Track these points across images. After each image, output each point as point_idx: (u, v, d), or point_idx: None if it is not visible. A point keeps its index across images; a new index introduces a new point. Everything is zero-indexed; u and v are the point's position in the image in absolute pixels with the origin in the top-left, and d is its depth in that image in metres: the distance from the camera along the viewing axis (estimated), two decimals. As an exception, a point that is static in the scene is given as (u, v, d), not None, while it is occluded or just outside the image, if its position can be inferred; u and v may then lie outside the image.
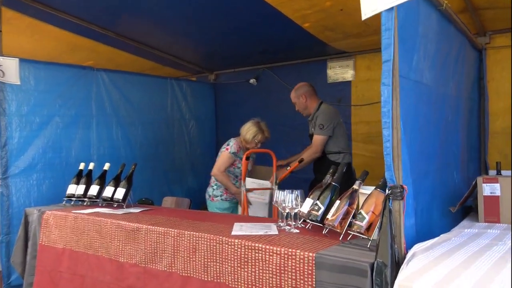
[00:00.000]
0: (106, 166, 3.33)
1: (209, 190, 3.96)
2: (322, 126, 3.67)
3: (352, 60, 4.58)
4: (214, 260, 2.05)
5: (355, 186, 2.01)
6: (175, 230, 2.23)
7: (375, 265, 1.55)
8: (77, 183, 3.33)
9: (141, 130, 4.71)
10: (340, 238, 1.91)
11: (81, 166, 3.44)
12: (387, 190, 1.67)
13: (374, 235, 1.78)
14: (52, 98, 3.95)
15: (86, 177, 3.31)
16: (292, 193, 2.17)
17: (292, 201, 2.14)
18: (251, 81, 5.23)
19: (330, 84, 4.72)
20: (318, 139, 3.70)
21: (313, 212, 2.08)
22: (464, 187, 2.87)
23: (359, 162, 4.36)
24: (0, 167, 3.53)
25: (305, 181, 3.94)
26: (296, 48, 4.56)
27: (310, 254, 1.72)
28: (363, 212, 1.83)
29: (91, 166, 3.47)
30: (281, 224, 2.29)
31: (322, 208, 2.07)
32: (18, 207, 3.58)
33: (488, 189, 2.37)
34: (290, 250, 1.78)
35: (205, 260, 2.09)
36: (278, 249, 1.82)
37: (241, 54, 4.88)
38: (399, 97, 1.69)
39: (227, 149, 3.78)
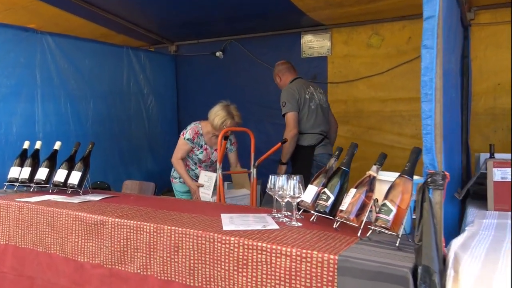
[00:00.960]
0: (57, 145, 2.82)
1: (172, 171, 3.60)
2: (284, 104, 3.45)
3: (328, 34, 4.28)
4: (203, 262, 1.69)
5: (372, 172, 1.70)
6: (152, 225, 1.83)
7: (419, 271, 1.26)
8: (21, 165, 2.79)
9: (93, 104, 4.17)
10: (359, 234, 1.61)
11: (26, 145, 2.90)
12: (425, 178, 1.38)
13: (401, 231, 1.49)
14: None
15: (32, 158, 2.79)
16: (291, 178, 1.84)
17: (293, 188, 1.81)
18: (217, 54, 4.79)
19: (304, 59, 4.40)
20: (286, 117, 3.45)
21: (321, 202, 1.76)
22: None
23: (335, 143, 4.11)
24: None
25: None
26: (267, 16, 4.15)
27: (332, 256, 1.41)
28: (388, 204, 1.53)
29: (37, 145, 2.93)
30: (277, 216, 1.96)
31: (332, 198, 1.75)
32: None
33: (499, 174, 2.16)
34: (304, 251, 1.46)
35: (191, 261, 1.72)
36: (289, 249, 1.49)
37: (204, 21, 4.36)
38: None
39: (182, 134, 3.40)
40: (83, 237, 2.05)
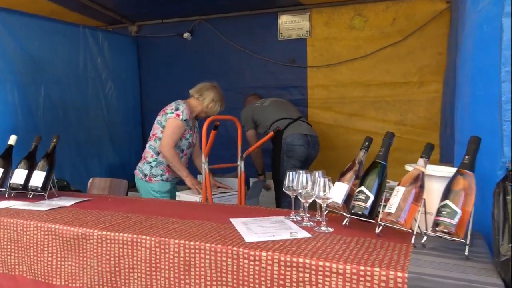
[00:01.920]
0: (12, 140, 2.35)
1: (144, 167, 3.09)
2: (242, 126, 3.38)
3: (307, 14, 4.00)
4: (224, 284, 1.37)
5: (419, 167, 1.45)
6: (153, 238, 1.48)
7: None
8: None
9: (44, 91, 3.64)
10: (412, 241, 1.35)
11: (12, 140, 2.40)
12: (505, 173, 1.15)
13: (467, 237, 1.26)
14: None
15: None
16: (314, 175, 1.56)
17: (322, 187, 1.53)
18: (185, 35, 4.38)
19: (281, 41, 4.11)
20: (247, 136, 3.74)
21: (359, 203, 1.49)
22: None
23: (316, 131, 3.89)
24: None
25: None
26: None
27: (399, 274, 1.14)
28: (451, 205, 1.29)
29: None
30: (296, 218, 1.68)
31: (372, 198, 1.49)
32: None
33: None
34: (362, 268, 1.18)
35: (207, 283, 1.39)
36: (341, 266, 1.21)
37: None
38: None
39: (177, 115, 2.95)
40: (59, 255, 1.65)
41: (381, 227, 1.44)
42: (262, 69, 4.14)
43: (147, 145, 3.11)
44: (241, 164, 2.82)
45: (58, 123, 3.68)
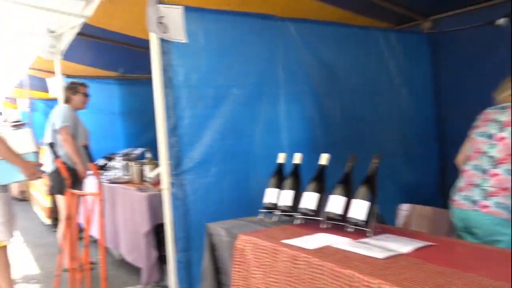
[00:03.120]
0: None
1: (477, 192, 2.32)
2: None
3: None
4: None
5: None
6: None
7: None
8: (278, 185, 2.10)
9: (340, 104, 3.35)
10: None
11: (281, 158, 2.21)
12: None
13: None
14: (228, 61, 2.83)
15: (293, 177, 2.06)
16: None
17: None
18: (500, 21, 3.42)
19: None
20: None
21: None
22: None
23: None
24: (171, 159, 2.53)
25: None
26: None
27: None
28: None
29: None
30: None
31: None
32: (196, 214, 2.56)
33: None
34: None
35: None
36: None
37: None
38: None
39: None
40: None
41: None
42: None
43: (472, 166, 2.37)
44: None
45: (353, 138, 3.33)
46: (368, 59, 3.55)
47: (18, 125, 8.38)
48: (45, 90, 6.21)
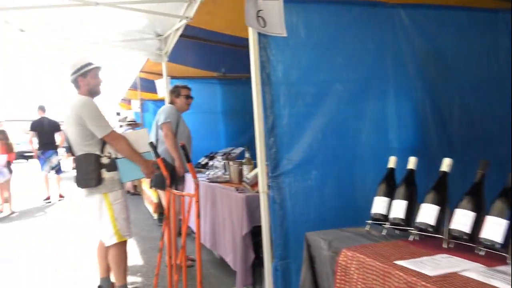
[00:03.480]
0: (412, 162, 1.75)
1: None
2: None
3: None
4: None
5: None
6: None
7: None
8: (389, 193, 1.83)
9: (458, 100, 2.91)
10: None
11: (392, 162, 1.93)
12: None
13: None
14: (330, 55, 2.60)
15: (407, 185, 1.77)
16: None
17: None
18: None
19: None
20: None
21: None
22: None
23: None
24: (268, 160, 2.40)
25: None
26: None
27: None
28: None
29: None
30: None
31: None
32: (295, 220, 2.39)
33: None
34: None
35: None
36: None
37: None
38: None
39: None
40: None
41: None
42: None
43: None
44: None
45: (476, 140, 2.86)
46: (496, 48, 3.04)
47: (132, 125, 9.02)
48: (154, 91, 6.57)
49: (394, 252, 1.54)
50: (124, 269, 3.14)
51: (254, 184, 3.28)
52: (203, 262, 4.17)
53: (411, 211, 1.72)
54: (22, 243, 5.53)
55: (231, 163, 4.09)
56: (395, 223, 1.74)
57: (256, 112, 2.45)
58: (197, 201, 2.50)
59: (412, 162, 1.82)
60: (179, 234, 3.29)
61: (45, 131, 8.61)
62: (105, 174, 2.98)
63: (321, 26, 2.57)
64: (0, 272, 4.40)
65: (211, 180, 4.17)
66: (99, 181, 2.94)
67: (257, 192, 2.54)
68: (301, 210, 2.38)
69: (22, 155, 26.61)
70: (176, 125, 4.04)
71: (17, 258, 4.84)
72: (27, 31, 4.61)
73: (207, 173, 4.68)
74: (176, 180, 4.00)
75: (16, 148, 8.81)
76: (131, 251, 4.60)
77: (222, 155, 5.02)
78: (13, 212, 7.91)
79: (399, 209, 1.73)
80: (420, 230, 1.64)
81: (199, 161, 5.56)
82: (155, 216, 6.36)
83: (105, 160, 2.99)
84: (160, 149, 3.92)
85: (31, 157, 17.65)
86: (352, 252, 1.57)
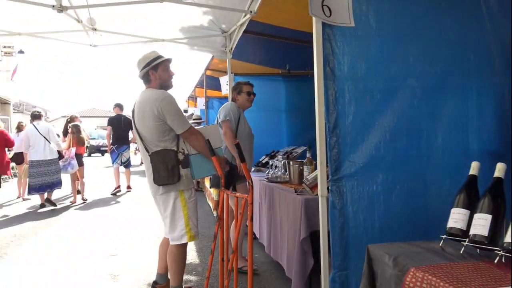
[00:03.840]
0: (500, 169, 1.48)
1: None
2: None
3: None
4: None
5: None
6: None
7: None
8: (469, 205, 1.57)
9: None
10: None
11: (474, 169, 1.65)
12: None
13: None
14: (404, 47, 2.34)
15: (492, 196, 1.50)
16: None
17: None
18: None
19: None
20: None
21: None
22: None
23: None
24: (329, 161, 2.20)
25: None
26: None
27: None
28: None
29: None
30: None
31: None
32: (356, 229, 2.17)
33: None
34: None
35: None
36: None
37: None
38: None
39: None
40: None
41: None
42: None
43: None
44: None
45: None
46: None
47: (199, 122, 9.16)
48: (219, 89, 6.56)
49: (474, 276, 1.29)
50: (182, 270, 3.04)
51: (314, 186, 3.08)
52: (260, 264, 4.04)
53: (497, 227, 1.45)
54: (95, 228, 5.78)
55: (291, 162, 3.91)
56: (476, 240, 1.47)
57: (318, 109, 2.26)
58: (251, 203, 2.35)
59: (500, 169, 1.54)
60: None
61: (121, 128, 9.04)
62: (181, 171, 2.90)
63: (394, 14, 2.32)
64: (83, 245, 4.67)
65: (270, 180, 4.03)
66: (179, 177, 2.87)
67: (317, 195, 2.36)
68: (364, 218, 2.15)
69: (98, 149, 28.33)
70: (236, 122, 3.93)
71: (95, 239, 5.05)
72: (98, 30, 4.77)
73: (267, 172, 4.54)
74: (236, 179, 3.90)
75: (90, 142, 9.31)
76: (189, 249, 4.59)
77: (283, 154, 4.86)
78: (85, 201, 8.39)
79: (482, 224, 1.47)
80: (509, 251, 1.36)
81: (260, 159, 5.44)
82: (215, 213, 6.35)
83: (180, 157, 2.91)
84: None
85: (106, 151, 18.69)
86: (422, 273, 1.34)
